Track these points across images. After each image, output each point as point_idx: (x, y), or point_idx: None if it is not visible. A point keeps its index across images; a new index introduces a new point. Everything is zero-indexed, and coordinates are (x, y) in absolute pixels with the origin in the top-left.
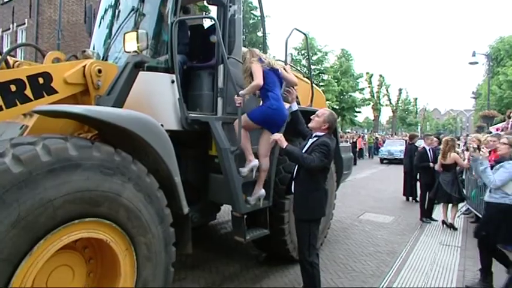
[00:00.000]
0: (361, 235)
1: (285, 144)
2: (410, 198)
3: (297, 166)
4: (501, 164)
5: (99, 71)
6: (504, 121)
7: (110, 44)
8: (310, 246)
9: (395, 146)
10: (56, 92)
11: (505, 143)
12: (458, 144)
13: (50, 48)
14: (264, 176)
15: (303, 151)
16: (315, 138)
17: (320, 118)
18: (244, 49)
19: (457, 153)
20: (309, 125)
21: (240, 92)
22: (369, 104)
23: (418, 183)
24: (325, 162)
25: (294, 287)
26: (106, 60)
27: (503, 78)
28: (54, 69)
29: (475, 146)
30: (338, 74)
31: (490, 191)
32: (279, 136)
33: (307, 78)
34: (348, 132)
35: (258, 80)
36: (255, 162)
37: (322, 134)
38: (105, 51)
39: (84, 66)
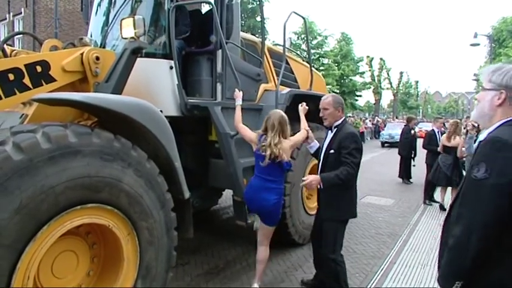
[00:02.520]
0: (363, 218)
1: (320, 182)
2: (406, 179)
3: (321, 161)
4: None
5: (97, 58)
6: None
7: (107, 31)
8: (336, 244)
9: (396, 130)
10: (54, 80)
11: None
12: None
13: (48, 38)
14: (262, 268)
15: (327, 144)
16: (335, 130)
17: (330, 109)
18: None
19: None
20: (324, 124)
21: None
22: (370, 87)
23: (425, 166)
24: (359, 160)
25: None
26: (104, 47)
27: (506, 60)
28: (52, 57)
29: (475, 124)
30: (338, 58)
31: None
32: (311, 179)
33: (306, 62)
34: (349, 116)
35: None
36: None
37: (340, 121)
38: (102, 38)
39: (82, 54)
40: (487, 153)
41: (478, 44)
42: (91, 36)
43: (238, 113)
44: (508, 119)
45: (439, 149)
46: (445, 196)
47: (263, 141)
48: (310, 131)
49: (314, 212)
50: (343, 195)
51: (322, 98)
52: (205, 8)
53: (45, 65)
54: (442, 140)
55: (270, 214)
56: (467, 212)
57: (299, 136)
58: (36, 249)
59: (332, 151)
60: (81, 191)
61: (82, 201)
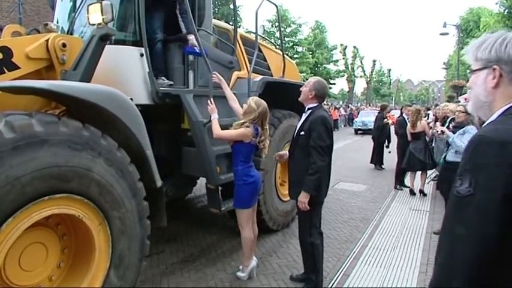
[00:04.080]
0: (336, 203)
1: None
2: (378, 165)
3: (291, 142)
4: (463, 129)
5: (64, 44)
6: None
7: (74, 17)
8: (312, 227)
9: (370, 117)
10: (17, 67)
11: (462, 111)
12: (428, 115)
13: (11, 23)
14: (249, 244)
15: (299, 127)
16: (309, 112)
17: (306, 88)
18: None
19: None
20: (299, 98)
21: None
22: (344, 75)
23: (396, 151)
24: (328, 143)
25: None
26: (71, 34)
27: None
28: (14, 43)
29: (439, 131)
30: (312, 46)
31: (455, 152)
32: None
33: (279, 50)
34: (323, 104)
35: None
36: (254, 263)
37: (315, 105)
38: (69, 24)
39: (47, 40)
40: (472, 159)
41: (447, 34)
42: (57, 22)
43: (215, 126)
44: (510, 105)
45: (408, 137)
46: (414, 181)
47: (261, 134)
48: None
49: (287, 198)
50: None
51: (311, 77)
52: None
53: (7, 51)
54: (408, 129)
55: None
56: (447, 243)
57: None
58: (1, 242)
59: (302, 133)
60: (49, 181)
61: (50, 192)
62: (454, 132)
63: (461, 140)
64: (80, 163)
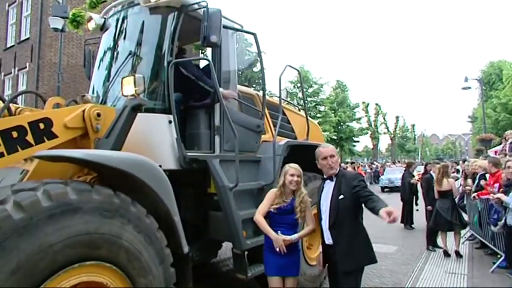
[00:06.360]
0: (366, 267)
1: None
2: (408, 225)
3: (328, 211)
4: None
5: (98, 114)
6: (501, 143)
7: (108, 86)
8: None
9: (396, 174)
10: (56, 136)
11: None
12: (458, 170)
13: (50, 90)
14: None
15: (330, 195)
16: (336, 178)
17: (335, 156)
18: None
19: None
20: (330, 172)
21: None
22: (367, 133)
23: (423, 210)
24: None
25: None
26: (105, 103)
27: (497, 102)
28: (55, 114)
29: (495, 197)
30: (334, 104)
31: None
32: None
33: (302, 110)
34: (348, 162)
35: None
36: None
37: (338, 169)
38: (103, 94)
39: (83, 111)
40: None
41: (469, 88)
42: (93, 90)
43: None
44: None
45: (435, 196)
46: (447, 241)
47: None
48: None
49: (315, 262)
50: (361, 239)
51: (323, 146)
52: (203, 63)
53: (47, 122)
54: (435, 186)
55: None
56: None
57: None
58: None
59: (342, 196)
60: (79, 249)
61: (80, 259)
62: (505, 191)
63: None
64: (110, 230)
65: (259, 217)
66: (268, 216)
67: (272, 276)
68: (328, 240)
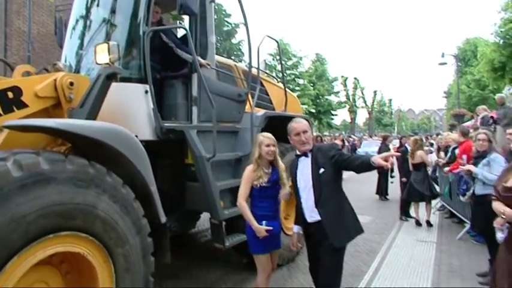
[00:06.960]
0: None
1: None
2: (383, 196)
3: (310, 189)
4: (487, 159)
5: (71, 83)
6: (473, 119)
7: (81, 55)
8: (340, 278)
9: (372, 147)
10: (26, 105)
11: (485, 140)
12: (432, 143)
13: (20, 60)
14: None
15: (310, 170)
16: (311, 153)
17: (308, 131)
18: None
19: (424, 152)
20: (304, 149)
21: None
22: (345, 106)
23: (398, 182)
24: None
25: None
26: (78, 72)
27: (471, 78)
28: (24, 83)
29: (465, 169)
30: (313, 78)
31: (483, 184)
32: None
33: (281, 83)
34: (326, 135)
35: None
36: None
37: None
38: (77, 63)
39: (55, 80)
40: None
41: (446, 63)
42: (65, 60)
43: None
44: None
45: (410, 168)
46: (419, 211)
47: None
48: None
49: (291, 232)
50: (347, 211)
51: (296, 121)
52: (180, 32)
53: (17, 91)
54: (409, 158)
55: None
56: None
57: None
58: (4, 282)
59: (322, 170)
60: (54, 219)
61: (55, 229)
62: (474, 163)
63: (491, 171)
64: (85, 200)
65: (242, 202)
66: (251, 193)
67: (259, 254)
68: (312, 218)
